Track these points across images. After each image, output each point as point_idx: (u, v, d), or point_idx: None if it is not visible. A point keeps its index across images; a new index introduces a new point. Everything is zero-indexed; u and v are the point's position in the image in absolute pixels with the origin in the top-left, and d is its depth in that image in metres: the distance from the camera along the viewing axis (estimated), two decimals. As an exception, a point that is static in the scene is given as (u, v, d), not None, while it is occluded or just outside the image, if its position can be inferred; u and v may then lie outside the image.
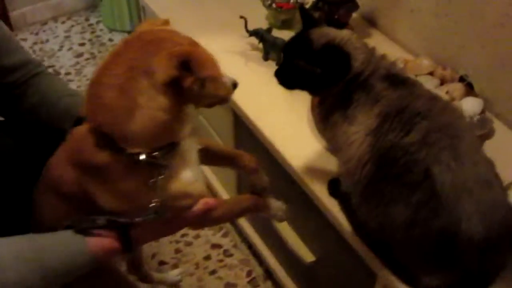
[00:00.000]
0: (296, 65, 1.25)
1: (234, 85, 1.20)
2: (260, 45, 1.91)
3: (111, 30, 3.61)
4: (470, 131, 1.20)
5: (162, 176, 1.10)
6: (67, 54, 3.43)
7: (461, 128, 1.16)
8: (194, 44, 1.09)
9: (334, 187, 1.42)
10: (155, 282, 2.01)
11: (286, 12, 2.02)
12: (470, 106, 1.63)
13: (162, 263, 2.27)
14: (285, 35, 1.92)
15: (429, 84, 1.71)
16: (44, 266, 1.09)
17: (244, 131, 1.77)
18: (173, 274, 2.15)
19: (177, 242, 2.33)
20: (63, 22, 3.74)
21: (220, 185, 2.27)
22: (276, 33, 1.97)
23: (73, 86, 3.15)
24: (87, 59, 3.41)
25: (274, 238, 1.87)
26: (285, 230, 1.79)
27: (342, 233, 1.39)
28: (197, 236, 2.35)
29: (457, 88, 1.69)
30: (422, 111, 1.16)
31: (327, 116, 1.29)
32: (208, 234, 2.35)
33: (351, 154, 1.22)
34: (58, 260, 1.11)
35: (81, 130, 1.12)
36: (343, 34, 1.25)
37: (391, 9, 1.98)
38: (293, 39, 1.31)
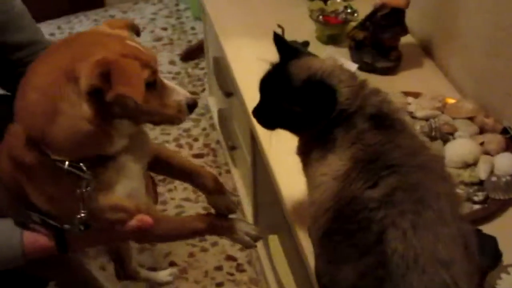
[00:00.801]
0: (276, 104, 1.11)
1: (191, 106, 1.10)
2: (293, 59, 1.78)
3: (197, 19, 3.59)
4: (447, 198, 1.03)
5: (89, 188, 1.03)
6: (147, 36, 3.45)
7: (434, 193, 1.00)
8: (129, 54, 0.99)
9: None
10: (140, 279, 1.94)
11: (333, 27, 1.89)
12: (504, 163, 1.43)
13: (172, 263, 2.21)
14: (330, 51, 1.81)
15: (466, 130, 1.52)
16: None
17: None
18: (163, 274, 2.06)
19: (194, 246, 2.26)
20: (153, 4, 3.78)
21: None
22: (320, 48, 1.86)
23: (143, 69, 3.14)
24: (165, 44, 3.41)
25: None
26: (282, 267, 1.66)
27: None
28: (214, 244, 2.27)
29: (495, 140, 1.48)
30: (395, 164, 1.01)
31: (304, 153, 1.17)
32: (226, 244, 2.26)
33: (315, 198, 1.09)
34: None
35: (15, 126, 1.07)
36: (325, 65, 1.10)
37: (447, 41, 1.79)
38: (269, 74, 1.15)
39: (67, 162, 1.02)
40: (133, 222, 1.13)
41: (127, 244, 1.79)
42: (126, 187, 1.10)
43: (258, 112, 1.18)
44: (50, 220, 1.10)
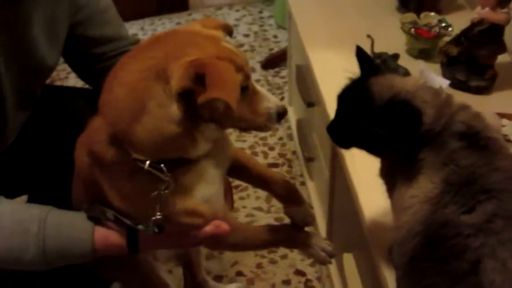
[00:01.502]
0: (354, 123, 1.05)
1: (280, 114, 1.06)
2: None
3: (279, 27, 3.56)
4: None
5: (167, 191, 1.00)
6: (229, 42, 3.43)
7: None
8: (224, 57, 0.95)
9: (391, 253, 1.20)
10: None
11: (425, 41, 1.80)
12: None
13: (239, 273, 2.17)
14: (420, 65, 1.74)
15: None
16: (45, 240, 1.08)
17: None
18: (233, 287, 2.02)
19: (262, 257, 2.21)
20: (237, 10, 3.78)
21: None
22: (411, 61, 1.78)
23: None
24: (246, 51, 3.40)
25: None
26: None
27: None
28: (284, 256, 2.21)
29: None
30: (494, 188, 0.94)
31: (389, 175, 1.11)
32: (296, 258, 2.20)
33: (403, 221, 1.03)
34: (60, 237, 1.10)
35: (99, 120, 1.05)
36: (409, 85, 1.03)
37: (548, 61, 1.68)
38: (349, 90, 1.09)
39: (147, 162, 0.99)
40: (209, 228, 1.09)
41: (198, 251, 1.76)
42: (204, 192, 1.07)
43: (334, 129, 1.12)
44: (125, 218, 1.07)
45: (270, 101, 1.05)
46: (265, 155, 2.69)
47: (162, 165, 0.99)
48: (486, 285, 0.87)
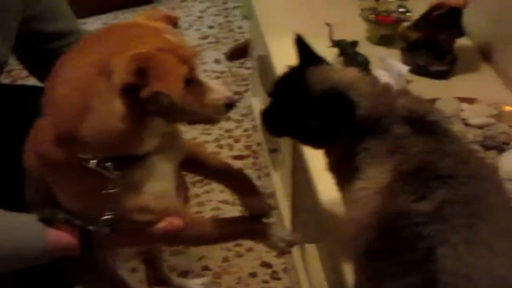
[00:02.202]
0: (288, 112, 1.03)
1: (229, 105, 1.03)
2: (341, 58, 1.69)
3: (245, 18, 3.53)
4: (503, 209, 0.93)
5: (116, 189, 0.97)
6: (193, 34, 3.42)
7: (488, 204, 0.91)
8: (167, 49, 0.92)
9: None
10: (171, 286, 1.87)
11: (385, 27, 1.79)
12: None
13: (206, 268, 2.14)
14: (380, 51, 1.72)
15: (524, 142, 1.41)
16: None
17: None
18: (196, 282, 1.99)
19: (228, 250, 2.18)
20: (201, 2, 3.77)
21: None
22: (371, 48, 1.78)
23: (187, 66, 3.10)
24: (211, 42, 3.37)
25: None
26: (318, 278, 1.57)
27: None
28: (250, 249, 2.18)
29: (557, 153, 1.36)
30: (444, 174, 0.92)
31: (337, 169, 1.09)
32: (262, 250, 2.17)
33: (355, 214, 1.01)
34: (12, 240, 1.05)
35: (44, 120, 1.02)
36: (347, 77, 1.02)
37: (509, 45, 1.67)
38: (286, 77, 1.08)
39: (94, 161, 0.95)
40: (162, 225, 1.06)
41: (159, 248, 1.73)
42: (155, 188, 1.04)
43: (267, 115, 1.10)
44: (76, 219, 1.04)
45: (218, 92, 1.02)
46: (231, 147, 2.66)
47: (109, 163, 0.96)
48: (440, 271, 0.85)
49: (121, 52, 0.89)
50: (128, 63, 0.87)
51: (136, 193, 1.02)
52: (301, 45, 1.10)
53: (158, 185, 1.04)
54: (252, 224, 1.21)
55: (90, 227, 1.03)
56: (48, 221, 1.08)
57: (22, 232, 1.07)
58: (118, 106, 0.91)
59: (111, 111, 0.91)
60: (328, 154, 1.10)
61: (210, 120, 1.04)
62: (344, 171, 1.05)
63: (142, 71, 0.87)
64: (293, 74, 1.08)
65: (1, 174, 1.36)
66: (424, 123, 0.98)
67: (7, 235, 1.06)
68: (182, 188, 1.24)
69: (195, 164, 1.21)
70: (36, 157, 1.03)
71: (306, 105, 1.01)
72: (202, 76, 1.03)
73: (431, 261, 0.86)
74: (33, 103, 1.43)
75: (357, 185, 1.00)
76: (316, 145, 1.11)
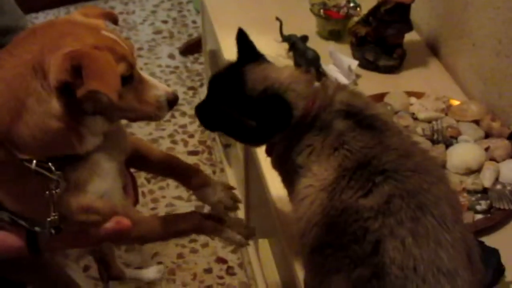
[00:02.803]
0: (224, 109, 1.03)
1: (171, 102, 1.02)
2: (291, 53, 1.69)
3: (198, 13, 3.50)
4: (448, 202, 0.94)
5: (58, 190, 0.95)
6: (147, 29, 3.38)
7: (433, 197, 0.92)
8: (103, 47, 0.90)
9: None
10: (126, 279, 1.86)
11: (334, 22, 1.80)
12: (511, 170, 1.34)
13: (160, 264, 2.12)
14: (329, 46, 1.72)
15: (471, 134, 1.43)
16: None
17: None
18: (151, 271, 1.98)
19: (183, 246, 2.18)
20: (156, -4, 3.70)
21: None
22: (321, 43, 1.78)
23: (141, 62, 3.08)
24: (164, 37, 3.34)
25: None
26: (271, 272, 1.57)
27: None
28: (205, 245, 2.19)
29: (502, 145, 1.40)
30: (388, 168, 0.94)
31: (280, 166, 1.09)
32: (217, 246, 2.18)
33: (302, 212, 1.01)
34: None
35: None
36: (283, 76, 1.02)
37: (454, 39, 1.70)
38: (223, 73, 1.07)
39: (34, 162, 0.93)
40: (109, 225, 1.04)
41: (109, 245, 1.71)
42: (99, 188, 1.01)
43: (202, 110, 1.09)
44: (21, 220, 1.01)
45: (159, 88, 1.00)
46: (185, 143, 2.65)
47: (50, 163, 0.94)
48: (387, 263, 0.87)
49: (55, 50, 0.87)
50: (62, 61, 0.85)
51: (79, 193, 0.99)
52: (243, 40, 1.09)
53: (101, 184, 1.02)
54: (201, 219, 1.19)
55: (36, 228, 1.01)
56: None
57: None
58: (54, 105, 0.88)
59: (47, 111, 0.89)
60: (269, 152, 1.10)
61: (152, 117, 1.02)
62: (287, 169, 1.05)
63: (77, 69, 0.85)
64: (231, 70, 1.07)
65: None
66: (364, 117, 0.99)
67: None
68: (129, 186, 1.23)
69: (140, 160, 1.19)
70: None
71: (243, 104, 1.01)
72: (142, 73, 1.02)
73: (379, 254, 0.88)
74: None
75: (303, 183, 1.00)
76: (250, 143, 1.11)
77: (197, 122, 2.65)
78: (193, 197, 2.26)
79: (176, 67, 3.09)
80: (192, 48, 3.18)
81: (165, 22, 3.46)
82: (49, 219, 0.97)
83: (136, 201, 1.28)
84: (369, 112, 1.01)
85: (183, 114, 2.77)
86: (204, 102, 1.08)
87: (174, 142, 2.64)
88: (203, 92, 2.84)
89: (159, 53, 3.19)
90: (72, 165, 0.97)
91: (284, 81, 1.01)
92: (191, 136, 2.68)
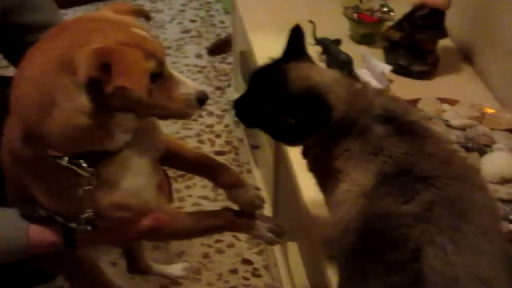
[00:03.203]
0: (263, 105, 1.02)
1: (201, 100, 1.01)
2: (324, 56, 1.69)
3: (226, 13, 3.51)
4: (488, 210, 0.94)
5: (90, 187, 0.96)
6: (175, 28, 3.39)
7: (474, 206, 0.92)
8: (132, 43, 0.90)
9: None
10: (152, 274, 1.88)
11: (367, 26, 1.79)
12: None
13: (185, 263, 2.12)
14: (362, 50, 1.72)
15: (505, 143, 1.42)
16: None
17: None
18: (176, 268, 1.98)
19: (209, 246, 2.18)
20: (183, -5, 3.71)
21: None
22: (353, 47, 1.78)
23: (169, 61, 3.07)
24: (193, 36, 3.34)
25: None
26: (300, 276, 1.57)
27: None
28: (231, 245, 2.18)
29: (537, 155, 1.38)
30: (430, 176, 0.93)
31: (316, 169, 1.09)
32: (243, 247, 2.18)
33: (340, 217, 1.00)
34: None
35: (12, 118, 1.00)
36: (326, 78, 1.02)
37: (489, 46, 1.68)
38: (265, 69, 1.06)
39: (66, 158, 0.93)
40: (147, 221, 1.06)
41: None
42: (131, 184, 1.02)
43: (241, 105, 1.08)
44: (57, 216, 1.03)
45: (188, 86, 1.00)
46: (212, 143, 2.65)
47: (81, 160, 0.94)
48: (427, 270, 0.86)
49: (83, 46, 0.87)
50: (91, 58, 0.85)
51: (111, 190, 1.00)
52: (296, 37, 1.08)
53: (134, 181, 1.03)
54: (235, 216, 1.20)
55: (72, 224, 1.02)
56: (31, 217, 1.06)
57: (4, 226, 1.06)
58: (83, 101, 0.89)
59: (76, 107, 0.89)
60: (305, 154, 1.09)
61: (181, 114, 1.02)
62: (324, 172, 1.04)
63: (106, 66, 0.85)
64: (274, 66, 1.06)
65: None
66: (403, 123, 0.99)
67: None
68: (164, 183, 1.23)
69: (174, 158, 1.20)
70: (9, 154, 1.02)
71: (283, 100, 1.00)
72: (173, 71, 1.01)
73: (419, 261, 0.87)
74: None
75: (341, 188, 1.00)
76: (285, 141, 1.10)
77: (224, 122, 2.69)
78: (219, 197, 2.29)
79: (204, 67, 3.10)
80: (220, 48, 3.18)
81: (193, 21, 3.47)
82: (83, 216, 0.98)
83: (170, 199, 1.29)
84: (409, 118, 1.00)
85: (210, 114, 2.77)
86: (243, 97, 1.08)
87: (201, 141, 2.64)
88: (230, 93, 2.84)
89: (187, 52, 3.20)
90: (104, 162, 0.98)
91: (327, 82, 1.01)
92: (218, 136, 2.68)
